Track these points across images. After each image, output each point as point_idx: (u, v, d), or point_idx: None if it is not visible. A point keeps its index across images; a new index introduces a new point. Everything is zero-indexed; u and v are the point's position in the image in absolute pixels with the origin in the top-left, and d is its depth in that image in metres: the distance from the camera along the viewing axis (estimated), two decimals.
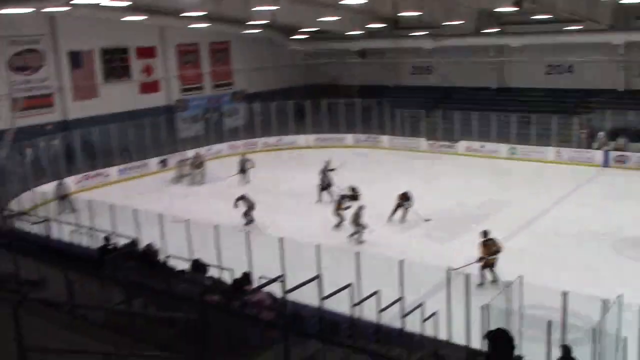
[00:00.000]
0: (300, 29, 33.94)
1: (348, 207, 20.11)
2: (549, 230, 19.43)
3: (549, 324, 9.56)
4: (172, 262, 12.03)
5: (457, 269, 12.38)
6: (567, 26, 29.91)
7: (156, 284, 9.09)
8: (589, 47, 32.03)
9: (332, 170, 24.13)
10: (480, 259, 15.17)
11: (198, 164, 28.43)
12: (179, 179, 28.35)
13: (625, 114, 30.58)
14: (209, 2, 24.57)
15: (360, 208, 19.00)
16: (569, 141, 30.77)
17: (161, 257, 11.88)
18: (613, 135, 29.94)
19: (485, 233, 15.52)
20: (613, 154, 28.98)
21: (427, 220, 20.30)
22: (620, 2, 26.34)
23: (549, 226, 19.91)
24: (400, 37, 35.84)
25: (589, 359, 9.28)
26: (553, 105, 32.55)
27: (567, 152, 30.08)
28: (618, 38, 31.15)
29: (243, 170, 27.15)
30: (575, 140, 30.68)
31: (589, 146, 30.07)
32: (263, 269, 11.72)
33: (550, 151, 30.37)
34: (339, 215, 19.97)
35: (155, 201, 23.05)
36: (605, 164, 28.91)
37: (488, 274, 15.34)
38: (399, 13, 24.03)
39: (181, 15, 27.65)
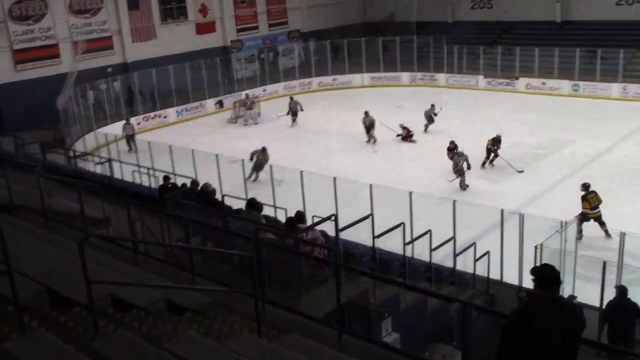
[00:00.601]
0: None
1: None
2: (610, 169, 18.85)
3: (604, 265, 9.47)
4: (228, 201, 12.36)
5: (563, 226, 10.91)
6: None
7: (213, 222, 9.40)
8: None
9: (435, 114, 24.39)
10: (582, 214, 13.81)
11: (250, 104, 28.63)
12: (235, 119, 28.70)
13: None
14: None
15: (458, 155, 18.16)
16: (637, 77, 29.42)
17: (218, 195, 12.20)
18: None
19: (585, 186, 14.37)
20: None
21: (520, 171, 19.18)
22: None
23: (611, 165, 19.32)
24: None
25: None
26: (621, 40, 30.99)
27: (633, 88, 28.80)
28: None
29: (294, 113, 27.03)
30: None
31: None
32: (317, 208, 11.93)
33: (615, 88, 29.15)
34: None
35: (212, 142, 23.48)
36: None
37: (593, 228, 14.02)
38: None
39: None
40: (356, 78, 35.37)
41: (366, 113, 23.47)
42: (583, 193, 14.19)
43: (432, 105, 24.56)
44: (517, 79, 31.82)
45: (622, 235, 10.18)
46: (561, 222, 10.56)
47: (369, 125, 23.33)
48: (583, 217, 13.85)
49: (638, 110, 26.50)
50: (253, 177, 18.80)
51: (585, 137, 22.17)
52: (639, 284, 9.33)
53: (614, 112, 26.49)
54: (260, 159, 18.97)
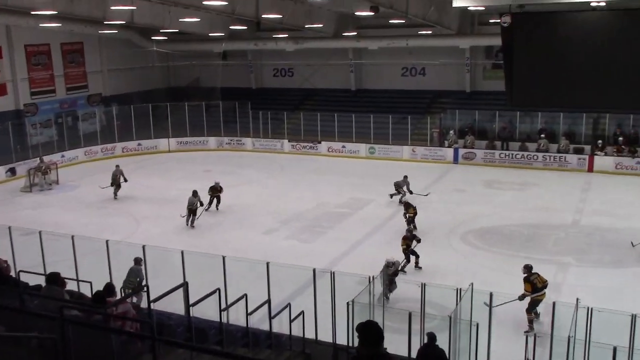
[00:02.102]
0: (161, 29, 33.09)
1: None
2: (453, 237, 19.77)
3: (410, 316, 10.08)
4: (25, 278, 11.28)
5: (493, 305, 10.73)
6: (420, 30, 31.64)
7: (7, 302, 8.48)
8: (440, 50, 34.10)
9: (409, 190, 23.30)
10: (523, 297, 12.84)
11: (45, 169, 26.70)
12: (29, 187, 26.53)
13: (472, 114, 32.85)
14: (61, 0, 23.26)
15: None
16: (423, 140, 32.55)
17: (12, 272, 11.09)
18: (462, 133, 32.07)
19: (528, 268, 13.14)
20: (462, 152, 31.02)
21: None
22: (468, 9, 28.23)
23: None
24: (262, 40, 36.01)
25: (446, 344, 9.87)
26: (408, 106, 34.32)
27: (421, 150, 31.78)
28: (464, 42, 33.47)
29: (117, 184, 24.42)
30: (430, 139, 32.50)
31: (440, 144, 31.97)
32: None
33: (406, 150, 31.93)
34: None
35: (4, 212, 21.49)
36: (455, 160, 30.90)
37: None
38: (260, 15, 24.11)
39: (31, 13, 25.79)
40: (162, 143, 34.78)
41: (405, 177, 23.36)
42: (525, 275, 13.02)
43: (405, 177, 23.45)
44: (319, 142, 33.51)
45: (423, 285, 10.96)
46: (369, 278, 11.09)
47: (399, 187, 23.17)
48: (532, 302, 12.88)
49: (426, 169, 29.21)
50: (190, 220, 20.32)
51: (384, 196, 23.80)
52: (439, 331, 10.01)
53: (406, 172, 28.79)
54: (192, 203, 20.22)
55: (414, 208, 19.35)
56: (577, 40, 12.71)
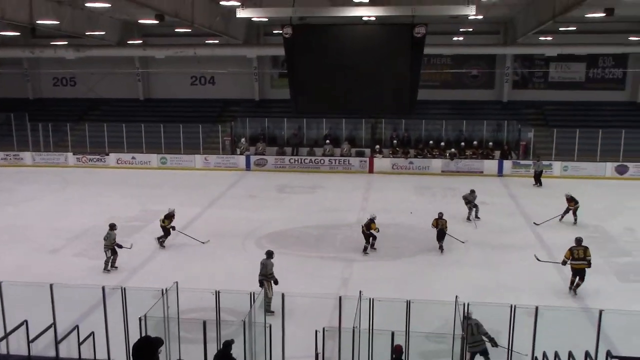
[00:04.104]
0: None
1: None
2: (201, 232, 20.20)
3: (204, 324, 10.10)
4: None
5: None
6: (207, 40, 31.75)
7: None
8: (228, 60, 34.53)
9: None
10: (564, 262, 15.15)
11: None
12: None
13: (262, 121, 33.74)
14: None
15: None
16: (215, 149, 32.68)
17: None
18: (254, 140, 32.79)
19: (577, 240, 15.34)
20: (254, 158, 31.70)
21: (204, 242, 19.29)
22: (252, 19, 28.94)
23: (203, 229, 20.78)
24: (39, 47, 33.46)
25: (242, 348, 10.05)
26: (199, 115, 34.29)
27: (213, 158, 31.88)
28: (251, 52, 34.27)
29: None
30: (222, 147, 32.75)
31: (233, 152, 32.38)
32: None
33: (198, 159, 31.81)
34: None
35: None
36: (248, 167, 31.50)
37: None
38: (35, 21, 22.35)
39: None
40: None
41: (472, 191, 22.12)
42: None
43: (472, 191, 22.17)
44: (107, 154, 32.06)
45: (217, 292, 11.03)
46: (162, 290, 10.89)
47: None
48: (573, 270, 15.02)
49: (219, 177, 29.42)
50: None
51: (178, 206, 23.45)
52: (236, 336, 10.16)
53: (199, 181, 28.78)
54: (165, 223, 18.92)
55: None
56: (348, 51, 13.69)
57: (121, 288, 11.23)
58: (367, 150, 32.26)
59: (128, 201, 24.49)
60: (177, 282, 11.14)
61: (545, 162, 29.39)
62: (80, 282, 14.29)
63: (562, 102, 34.62)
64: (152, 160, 31.93)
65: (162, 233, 19.19)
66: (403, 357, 9.77)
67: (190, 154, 31.94)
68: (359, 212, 22.66)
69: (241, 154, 31.99)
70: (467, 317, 10.81)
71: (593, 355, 8.79)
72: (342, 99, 13.98)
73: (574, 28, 29.14)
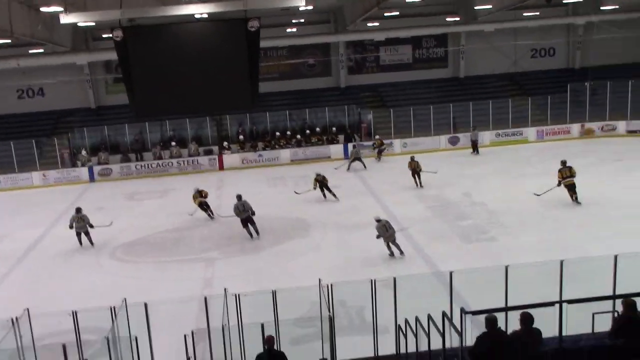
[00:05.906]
0: None
1: None
2: (51, 254, 19.08)
3: (64, 347, 9.59)
4: None
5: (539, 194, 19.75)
6: (31, 49, 29.72)
7: None
8: (57, 68, 32.54)
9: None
10: (559, 183, 19.39)
11: None
12: None
13: (101, 129, 32.30)
14: None
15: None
16: (54, 163, 30.80)
17: None
18: (95, 150, 31.31)
19: (562, 162, 19.65)
20: (97, 169, 30.31)
21: None
22: (79, 25, 27.45)
23: (52, 249, 19.59)
24: None
25: None
26: (31, 130, 32.08)
27: (53, 174, 30.05)
28: (81, 58, 32.57)
29: None
30: (61, 162, 30.92)
31: (73, 165, 30.71)
32: None
33: (35, 176, 29.82)
34: None
35: None
36: (92, 179, 30.06)
37: None
38: None
39: None
40: None
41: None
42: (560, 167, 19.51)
43: (354, 146, 29.92)
44: None
45: (74, 313, 10.52)
46: (11, 319, 10.17)
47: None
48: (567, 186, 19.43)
49: (61, 192, 27.87)
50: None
51: (19, 229, 21.94)
52: (102, 355, 9.75)
53: (40, 199, 27.02)
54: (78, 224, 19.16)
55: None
56: (184, 50, 13.48)
57: None
58: (215, 148, 32.04)
59: None
60: (27, 309, 10.47)
61: (386, 141, 31.01)
62: None
63: (395, 83, 36.59)
64: None
65: (201, 211, 21.57)
66: (275, 347, 9.94)
67: (26, 171, 29.85)
68: (213, 210, 22.50)
69: (83, 165, 30.43)
70: (378, 220, 15.89)
71: (449, 315, 9.48)
72: (183, 98, 13.76)
73: (397, 13, 30.96)
